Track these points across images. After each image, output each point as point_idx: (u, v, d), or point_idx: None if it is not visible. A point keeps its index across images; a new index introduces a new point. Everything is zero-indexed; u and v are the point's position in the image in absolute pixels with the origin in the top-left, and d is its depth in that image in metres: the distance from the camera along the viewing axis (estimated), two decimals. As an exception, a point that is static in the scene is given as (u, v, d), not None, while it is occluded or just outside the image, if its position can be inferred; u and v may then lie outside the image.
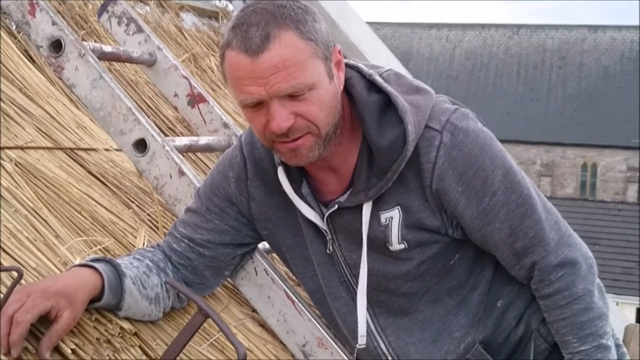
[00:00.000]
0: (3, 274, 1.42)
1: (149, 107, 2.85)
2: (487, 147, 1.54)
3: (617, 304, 12.66)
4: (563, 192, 29.26)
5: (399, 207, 1.57)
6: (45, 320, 1.38)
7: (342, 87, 1.54)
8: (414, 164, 1.53)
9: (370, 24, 4.46)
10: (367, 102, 1.55)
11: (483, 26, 34.96)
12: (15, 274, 1.34)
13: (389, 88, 1.56)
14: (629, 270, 15.73)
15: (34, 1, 1.98)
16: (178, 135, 2.77)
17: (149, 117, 2.51)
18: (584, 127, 30.42)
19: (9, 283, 1.39)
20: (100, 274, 1.50)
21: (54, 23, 1.97)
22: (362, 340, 1.68)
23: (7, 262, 1.50)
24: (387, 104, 1.55)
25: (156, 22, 3.50)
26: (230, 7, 4.28)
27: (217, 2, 4.29)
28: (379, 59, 4.11)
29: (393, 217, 1.57)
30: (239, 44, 1.44)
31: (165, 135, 2.48)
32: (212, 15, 4.12)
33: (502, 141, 1.61)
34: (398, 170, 1.53)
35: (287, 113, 1.45)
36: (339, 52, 1.54)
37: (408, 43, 34.92)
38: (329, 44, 1.50)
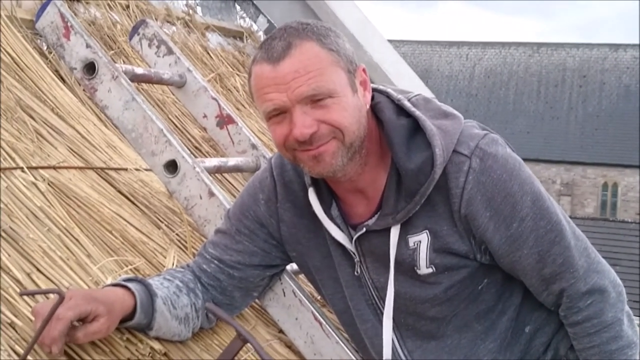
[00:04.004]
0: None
1: (176, 126, 2.89)
2: (516, 173, 1.55)
3: None
4: (583, 212, 28.99)
5: (427, 231, 1.58)
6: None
7: (368, 106, 1.56)
8: (442, 188, 1.54)
9: (389, 42, 4.49)
10: (395, 126, 1.56)
11: (503, 44, 34.90)
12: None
13: (417, 112, 1.57)
14: (650, 292, 15.52)
15: (69, 24, 2.03)
16: (205, 155, 2.80)
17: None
18: (604, 146, 30.22)
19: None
20: (132, 293, 1.53)
21: (87, 46, 2.01)
22: None
23: (40, 281, 1.53)
24: (416, 128, 1.57)
25: (183, 42, 3.55)
26: (255, 27, 4.33)
27: (242, 22, 4.34)
28: (402, 78, 4.13)
29: (421, 241, 1.58)
30: (263, 56, 1.49)
31: (193, 155, 2.52)
32: (237, 35, 4.17)
33: (522, 160, 1.61)
34: (426, 193, 1.54)
35: (310, 120, 1.47)
36: (364, 71, 1.56)
37: (428, 61, 34.94)
38: (353, 60, 1.52)
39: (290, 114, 1.48)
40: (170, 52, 2.28)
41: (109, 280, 1.63)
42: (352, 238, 1.64)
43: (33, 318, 1.39)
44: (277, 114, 1.50)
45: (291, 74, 1.46)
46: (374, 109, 1.59)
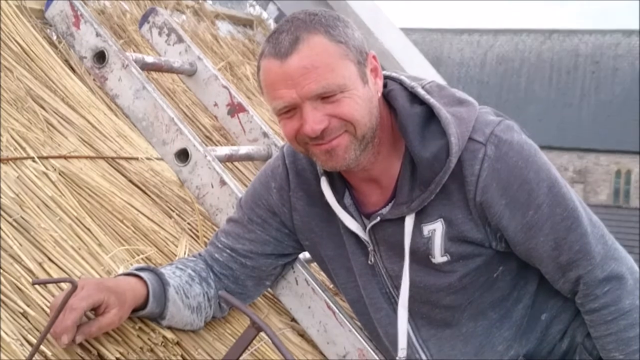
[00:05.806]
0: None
1: (187, 115, 2.87)
2: (532, 160, 1.53)
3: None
4: (596, 199, 28.85)
5: (442, 219, 1.56)
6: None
7: (379, 94, 1.54)
8: (457, 176, 1.53)
9: (401, 29, 4.46)
10: (409, 114, 1.54)
11: (515, 31, 34.68)
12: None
13: (431, 100, 1.55)
14: (664, 279, 15.41)
15: (79, 13, 2.02)
16: (215, 144, 2.79)
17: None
18: (617, 133, 30.00)
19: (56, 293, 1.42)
20: (145, 282, 1.52)
21: (97, 34, 2.01)
22: (402, 353, 1.67)
23: (52, 271, 1.53)
24: (430, 116, 1.55)
25: (192, 30, 3.53)
26: (265, 14, 4.30)
27: (252, 10, 4.32)
28: (414, 66, 4.10)
29: (436, 229, 1.57)
30: (270, 50, 1.46)
31: (204, 143, 2.51)
32: (246, 23, 4.15)
33: (536, 146, 1.59)
34: (441, 182, 1.52)
35: (320, 115, 1.45)
36: (374, 58, 1.54)
37: (439, 48, 34.77)
38: (363, 50, 1.50)
39: (301, 109, 1.47)
40: (180, 40, 2.27)
41: (121, 270, 1.63)
42: (366, 227, 1.63)
43: (46, 308, 1.38)
44: (287, 111, 1.48)
45: (299, 70, 1.43)
46: (388, 97, 1.57)
